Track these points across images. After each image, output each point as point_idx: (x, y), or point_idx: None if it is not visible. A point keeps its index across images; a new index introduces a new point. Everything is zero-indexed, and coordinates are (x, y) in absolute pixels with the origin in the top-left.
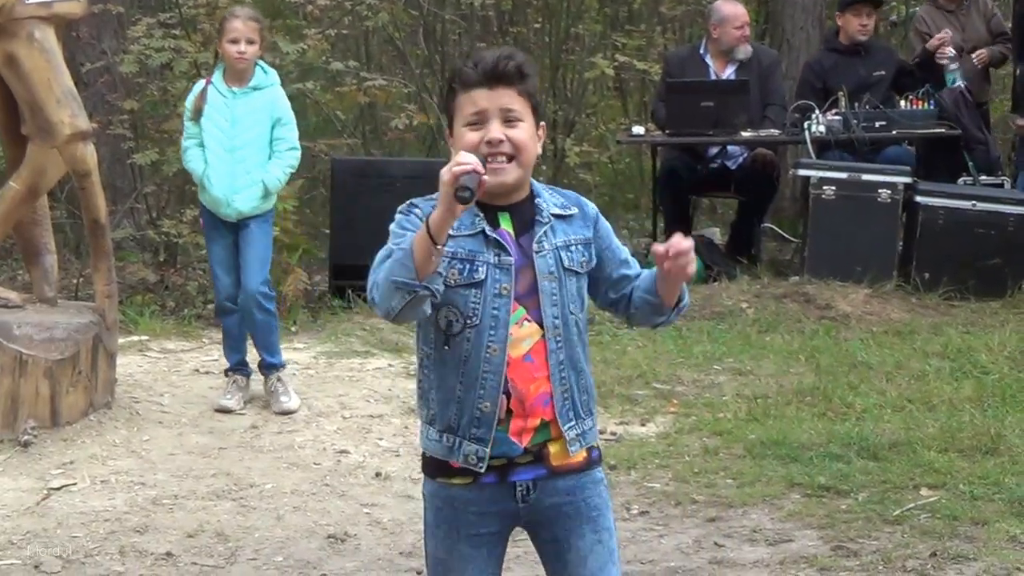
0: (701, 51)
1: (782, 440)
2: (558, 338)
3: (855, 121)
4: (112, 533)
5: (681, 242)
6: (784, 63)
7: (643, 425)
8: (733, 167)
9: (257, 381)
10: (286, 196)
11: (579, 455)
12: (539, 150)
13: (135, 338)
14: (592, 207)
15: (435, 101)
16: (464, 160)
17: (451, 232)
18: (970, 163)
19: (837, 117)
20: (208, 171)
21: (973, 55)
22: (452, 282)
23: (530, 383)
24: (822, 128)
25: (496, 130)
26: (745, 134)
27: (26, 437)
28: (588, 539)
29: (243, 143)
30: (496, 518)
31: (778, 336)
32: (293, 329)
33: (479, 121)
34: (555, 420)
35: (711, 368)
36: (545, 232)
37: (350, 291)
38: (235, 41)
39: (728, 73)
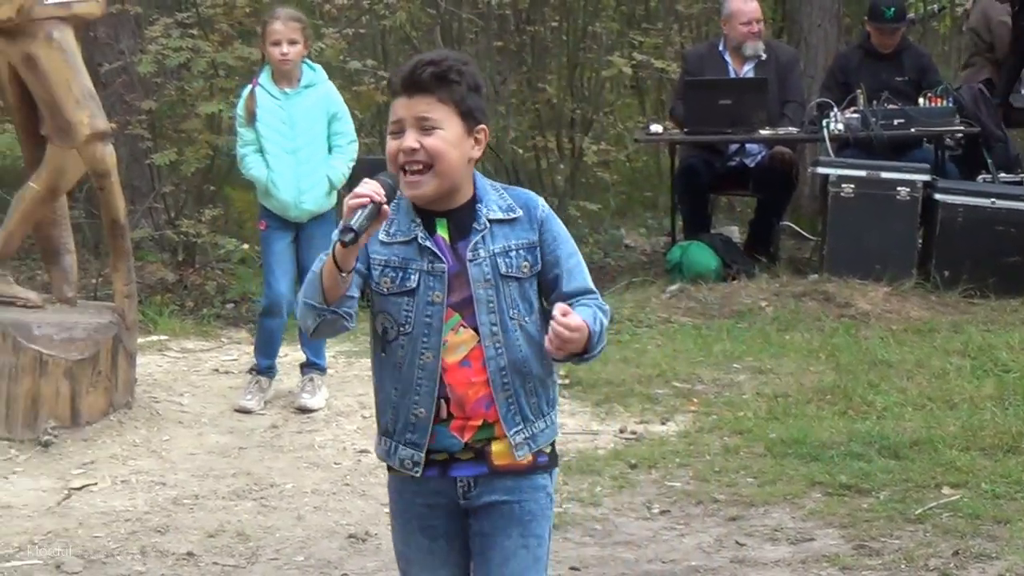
0: (720, 48)
1: (803, 439)
2: (497, 345)
3: (873, 119)
4: (133, 533)
5: (567, 322)
6: (802, 61)
7: (663, 424)
8: (751, 165)
9: (278, 382)
10: None
11: (525, 458)
12: (475, 154)
13: (154, 338)
14: (542, 208)
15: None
16: (359, 191)
17: (384, 240)
18: (989, 160)
19: (856, 115)
20: (272, 175)
21: None
22: (385, 290)
23: (468, 387)
24: (840, 126)
25: (410, 139)
26: (763, 132)
27: (47, 437)
28: (514, 541)
29: (304, 143)
30: (444, 512)
31: (798, 334)
32: None
33: (399, 130)
34: (499, 422)
35: (731, 367)
36: (481, 239)
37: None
38: (277, 43)
39: (747, 70)
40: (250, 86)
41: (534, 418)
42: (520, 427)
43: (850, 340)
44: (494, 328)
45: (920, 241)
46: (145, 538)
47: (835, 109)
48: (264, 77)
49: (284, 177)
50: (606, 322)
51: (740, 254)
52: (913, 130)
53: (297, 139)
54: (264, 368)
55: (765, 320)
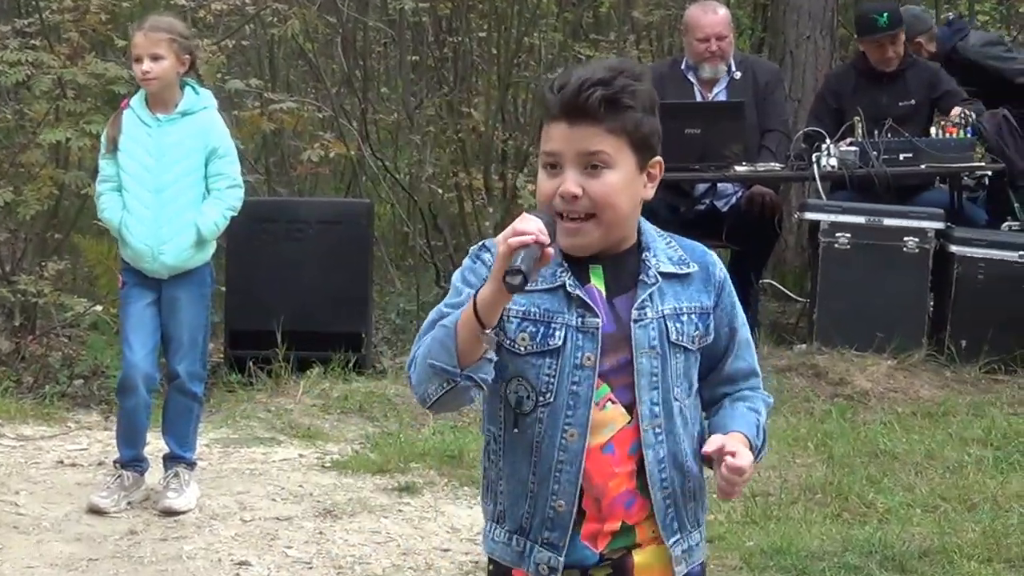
0: (684, 66)
1: (787, 548)
2: (657, 430)
3: (874, 153)
4: None
5: (737, 466)
6: (787, 81)
7: None
8: (724, 209)
9: (151, 477)
10: None
11: (672, 570)
12: (648, 193)
13: None
14: (720, 268)
15: (355, 127)
16: (523, 228)
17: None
18: (1016, 204)
19: (853, 148)
20: (127, 218)
21: None
22: (522, 348)
23: (609, 479)
24: (834, 161)
25: (571, 182)
26: (739, 168)
27: None
28: None
29: (170, 181)
30: None
31: (781, 418)
32: None
33: (555, 164)
34: (641, 525)
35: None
36: (650, 295)
37: (251, 363)
38: (138, 59)
39: (717, 92)
40: (120, 108)
41: (691, 527)
42: (678, 537)
43: (845, 425)
44: (655, 408)
45: (932, 304)
46: None
47: (827, 140)
48: (137, 99)
49: (142, 221)
50: (766, 421)
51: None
52: (923, 166)
53: (163, 176)
54: (127, 460)
55: None
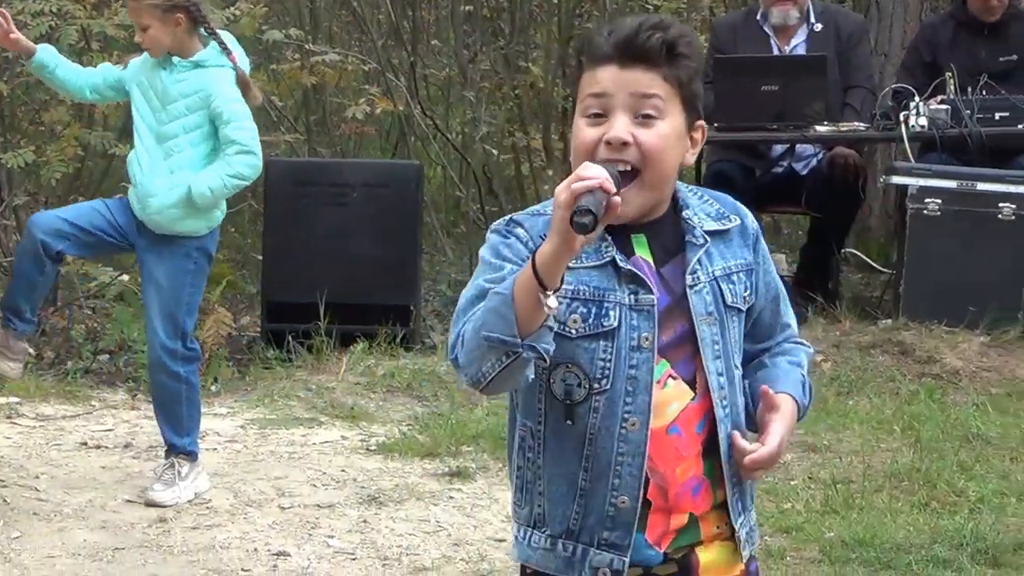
0: (760, 16)
1: (870, 539)
2: (724, 402)
3: (968, 112)
4: None
5: (761, 451)
6: (872, 33)
7: None
8: (804, 172)
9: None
10: None
11: (738, 567)
12: (689, 159)
13: (1, 400)
14: (752, 219)
15: (403, 83)
16: (587, 174)
17: (569, 264)
18: None
19: (944, 106)
20: (133, 156)
21: None
22: (574, 331)
23: (676, 464)
24: (923, 121)
25: (621, 127)
26: (820, 128)
27: None
28: None
29: (172, 131)
30: None
31: (864, 399)
32: (213, 388)
33: (601, 111)
34: (706, 516)
35: None
36: (700, 259)
37: (290, 337)
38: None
39: (796, 46)
40: None
41: (750, 507)
42: (743, 517)
43: (934, 407)
44: (721, 379)
45: None
46: None
47: (917, 98)
48: None
49: (139, 161)
50: (808, 373)
51: (788, 291)
52: (1021, 127)
53: (166, 125)
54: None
55: (821, 380)
